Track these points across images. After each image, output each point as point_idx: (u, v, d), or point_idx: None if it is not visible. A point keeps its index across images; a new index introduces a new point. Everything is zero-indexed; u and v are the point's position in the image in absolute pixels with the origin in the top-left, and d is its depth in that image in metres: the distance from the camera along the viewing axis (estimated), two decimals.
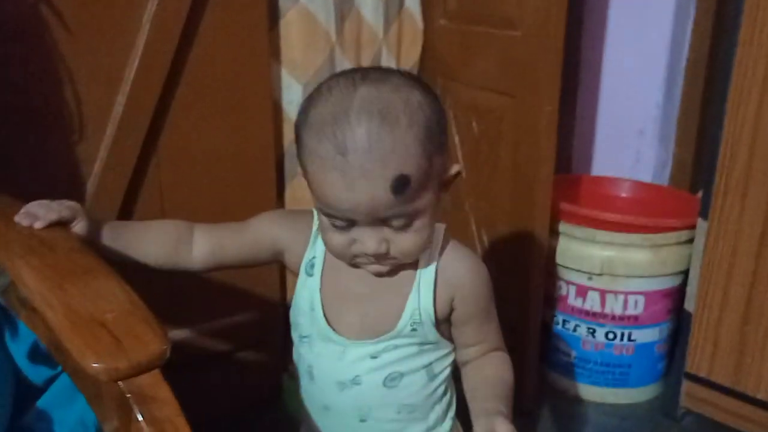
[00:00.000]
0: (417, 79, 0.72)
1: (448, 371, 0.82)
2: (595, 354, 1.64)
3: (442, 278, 0.76)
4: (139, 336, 0.57)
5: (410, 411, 0.80)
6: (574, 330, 1.65)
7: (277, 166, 1.49)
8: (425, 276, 0.76)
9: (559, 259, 1.61)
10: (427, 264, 0.77)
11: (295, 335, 0.82)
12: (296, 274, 0.81)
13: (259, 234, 0.82)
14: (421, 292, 0.76)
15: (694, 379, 1.53)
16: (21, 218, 0.70)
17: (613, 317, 1.59)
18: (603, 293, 1.58)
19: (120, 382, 0.55)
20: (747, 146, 1.35)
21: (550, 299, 1.65)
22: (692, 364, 1.53)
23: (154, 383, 0.56)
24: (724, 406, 1.50)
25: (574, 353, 1.66)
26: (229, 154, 1.40)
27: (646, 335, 1.61)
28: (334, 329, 0.77)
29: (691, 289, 1.51)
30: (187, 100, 1.31)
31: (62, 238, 0.69)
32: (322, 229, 0.74)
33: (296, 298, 0.80)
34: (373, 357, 0.76)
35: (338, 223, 0.69)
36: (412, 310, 0.76)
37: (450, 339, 0.81)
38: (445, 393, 0.83)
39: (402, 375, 0.77)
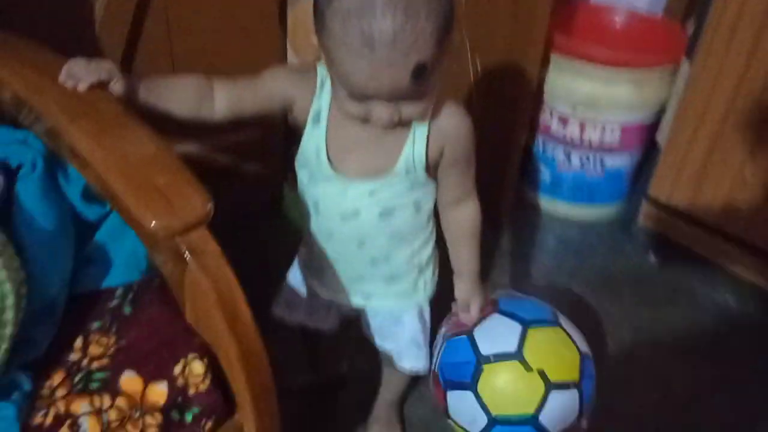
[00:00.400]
0: None
1: (431, 204, 0.95)
2: (568, 176, 1.79)
3: (435, 130, 0.86)
4: (188, 197, 0.68)
5: (400, 238, 0.95)
6: (552, 154, 1.78)
7: None
8: (420, 128, 0.86)
9: (546, 89, 1.69)
10: (422, 118, 0.86)
11: (303, 174, 0.93)
12: (303, 124, 0.90)
13: (271, 88, 0.90)
14: (415, 142, 0.86)
15: (655, 202, 1.71)
16: (65, 79, 0.78)
17: (590, 145, 1.72)
18: (583, 123, 1.69)
19: (175, 237, 0.68)
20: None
21: (534, 124, 1.76)
22: (655, 189, 1.70)
23: (203, 237, 0.69)
24: (678, 227, 1.69)
25: (549, 174, 1.82)
26: None
27: (617, 161, 1.76)
28: (337, 171, 0.88)
29: (665, 123, 1.63)
30: None
31: (106, 100, 0.77)
32: (337, 96, 0.82)
33: (304, 144, 0.90)
34: (371, 194, 0.89)
35: (356, 97, 0.78)
36: (406, 156, 0.87)
37: (435, 179, 0.93)
38: (428, 222, 0.98)
39: (394, 209, 0.91)
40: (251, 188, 1.67)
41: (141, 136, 0.73)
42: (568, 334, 1.02)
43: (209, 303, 0.69)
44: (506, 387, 0.97)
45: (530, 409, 0.96)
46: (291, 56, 1.60)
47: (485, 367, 0.97)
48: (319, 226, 0.96)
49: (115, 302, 0.78)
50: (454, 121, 0.88)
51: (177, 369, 0.71)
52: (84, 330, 0.74)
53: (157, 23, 1.35)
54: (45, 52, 0.85)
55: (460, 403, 1.00)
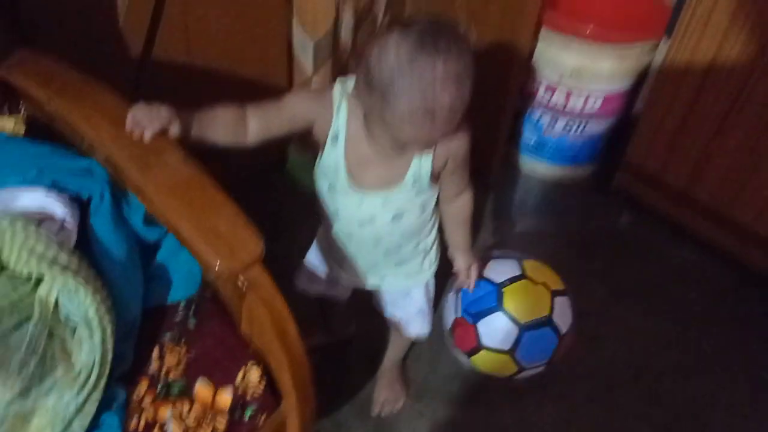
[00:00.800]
0: (460, 33, 0.87)
1: (434, 202, 1.11)
2: (552, 139, 1.94)
3: (440, 147, 0.99)
4: (245, 241, 0.83)
5: (409, 234, 1.11)
6: (539, 119, 1.92)
7: None
8: None
9: (536, 60, 1.80)
10: None
11: (323, 184, 1.07)
12: (323, 141, 1.02)
13: (293, 112, 1.02)
14: (422, 159, 1.00)
15: (629, 166, 1.87)
16: (131, 127, 0.89)
17: (573, 113, 1.85)
18: (568, 93, 1.82)
19: (237, 275, 0.83)
20: None
21: (523, 91, 1.88)
22: (630, 154, 1.85)
23: (259, 273, 0.84)
24: (647, 190, 1.86)
25: (535, 137, 1.96)
26: None
27: (597, 127, 1.90)
28: (354, 184, 1.02)
29: (644, 95, 1.76)
30: None
31: (170, 149, 0.89)
32: (375, 127, 0.94)
33: (324, 160, 1.03)
34: (384, 202, 1.03)
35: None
36: (413, 171, 1.00)
37: (436, 182, 1.07)
38: (431, 216, 1.13)
39: (404, 212, 1.06)
40: (260, 149, 1.78)
41: (204, 185, 0.86)
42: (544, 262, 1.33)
43: (264, 323, 0.85)
44: (525, 299, 1.24)
45: (546, 311, 1.24)
46: (297, 29, 1.69)
47: (504, 290, 1.24)
48: (340, 229, 1.11)
49: (180, 316, 0.93)
50: (458, 136, 0.99)
51: (239, 376, 0.87)
52: (158, 342, 0.90)
53: (174, 9, 1.43)
54: (104, 91, 0.96)
55: (491, 327, 1.24)
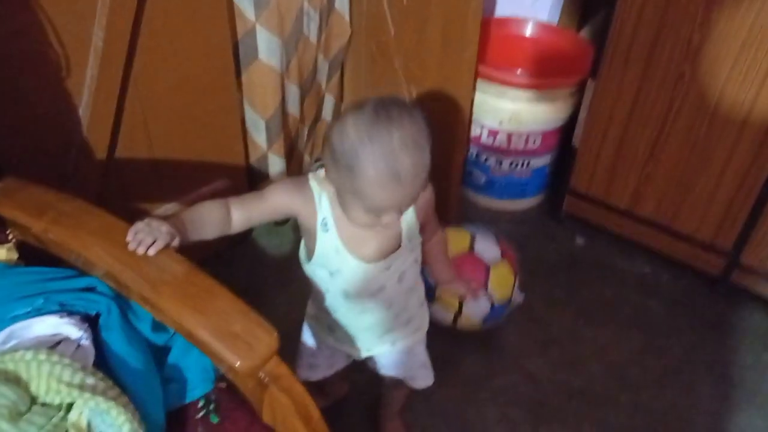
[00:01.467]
0: (409, 105, 0.96)
1: (420, 256, 1.18)
2: (501, 177, 2.06)
3: (420, 204, 1.07)
4: (260, 337, 0.88)
5: (411, 289, 1.19)
6: (486, 161, 2.03)
7: (234, 55, 1.65)
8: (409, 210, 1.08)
9: (475, 109, 1.92)
10: None
11: (322, 273, 1.12)
12: (313, 231, 1.09)
13: (275, 205, 1.08)
14: (409, 219, 1.08)
15: (575, 193, 2.00)
16: (135, 246, 0.94)
17: (516, 151, 1.98)
18: (509, 135, 1.94)
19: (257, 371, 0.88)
20: (632, 25, 1.64)
21: (468, 138, 1.99)
22: (574, 183, 1.98)
23: (277, 364, 0.90)
24: (595, 212, 1.99)
25: (485, 177, 2.07)
26: (193, 53, 1.54)
27: (540, 161, 2.03)
28: (359, 260, 1.08)
29: (578, 131, 1.90)
30: (156, 15, 1.41)
31: (172, 259, 0.94)
32: (347, 204, 1.00)
33: (320, 248, 1.08)
34: (388, 268, 1.10)
35: (372, 212, 0.98)
36: (406, 231, 1.08)
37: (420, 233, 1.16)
38: (420, 266, 1.21)
39: (405, 270, 1.13)
40: None
41: (214, 292, 0.91)
42: None
43: (288, 411, 0.91)
44: (504, 278, 1.57)
45: (509, 293, 1.60)
46: (248, 110, 1.76)
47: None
48: (351, 307, 1.15)
49: (201, 414, 0.98)
50: (426, 193, 1.10)
51: None
52: None
53: (134, 110, 1.49)
54: (98, 214, 1.01)
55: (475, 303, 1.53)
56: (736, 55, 1.53)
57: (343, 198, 1.01)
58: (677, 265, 1.89)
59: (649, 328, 1.78)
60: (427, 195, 1.11)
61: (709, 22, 1.53)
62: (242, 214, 1.08)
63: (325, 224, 1.07)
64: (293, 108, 1.86)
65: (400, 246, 1.09)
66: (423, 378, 1.34)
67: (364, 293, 1.12)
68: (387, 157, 0.90)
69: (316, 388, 1.49)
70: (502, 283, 1.57)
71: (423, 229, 1.14)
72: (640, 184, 1.85)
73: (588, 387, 1.63)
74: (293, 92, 1.82)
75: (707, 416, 1.58)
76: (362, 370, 1.35)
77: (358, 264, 1.08)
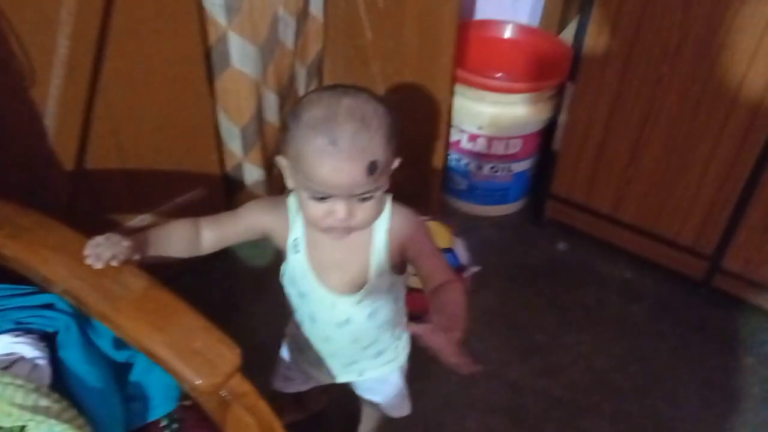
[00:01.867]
0: (378, 97, 0.93)
1: (403, 293, 1.13)
2: (482, 182, 2.04)
3: (392, 236, 0.99)
4: (222, 354, 0.86)
5: (384, 326, 1.12)
6: (466, 166, 2.01)
7: (206, 62, 1.62)
8: (378, 236, 1.01)
9: (454, 114, 1.90)
10: (381, 226, 1.01)
11: (293, 291, 1.09)
12: (284, 251, 1.05)
13: (249, 223, 1.05)
14: (378, 250, 1.01)
15: (557, 198, 1.98)
16: (93, 261, 0.91)
17: (497, 156, 1.96)
18: (489, 139, 1.92)
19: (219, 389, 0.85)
20: (610, 27, 1.63)
21: (447, 143, 1.97)
22: (555, 188, 1.96)
23: (240, 382, 0.87)
24: (577, 217, 1.97)
25: (466, 182, 2.05)
26: (163, 60, 1.51)
27: (521, 166, 2.01)
28: (326, 288, 1.04)
29: (558, 134, 1.88)
30: (124, 22, 1.38)
31: (132, 275, 0.92)
32: (302, 202, 0.95)
33: (289, 268, 1.05)
34: (358, 303, 1.05)
35: (319, 195, 0.91)
36: (375, 265, 1.02)
37: (401, 272, 1.09)
38: (403, 304, 1.15)
39: (378, 308, 1.07)
40: None
41: (175, 308, 0.89)
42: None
43: (251, 430, 0.88)
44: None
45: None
46: (223, 118, 1.74)
47: None
48: (316, 332, 1.12)
49: None
50: (403, 221, 1.01)
51: None
52: None
53: (102, 119, 1.46)
54: (57, 228, 0.98)
55: None
56: (716, 56, 1.52)
57: (297, 187, 0.96)
58: (660, 270, 1.88)
59: (632, 333, 1.76)
60: (403, 225, 1.00)
61: (688, 24, 1.52)
62: (214, 233, 1.04)
63: (296, 245, 1.04)
64: (272, 116, 1.83)
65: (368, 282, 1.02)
66: (398, 408, 1.30)
67: (329, 322, 1.08)
68: (328, 119, 0.87)
69: (293, 400, 1.47)
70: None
71: (417, 269, 1.01)
72: (622, 188, 1.83)
73: (570, 394, 1.61)
74: (271, 100, 1.79)
75: (690, 422, 1.56)
76: (340, 386, 1.32)
77: (326, 294, 1.04)
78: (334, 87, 0.92)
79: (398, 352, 1.21)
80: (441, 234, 1.73)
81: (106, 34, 1.38)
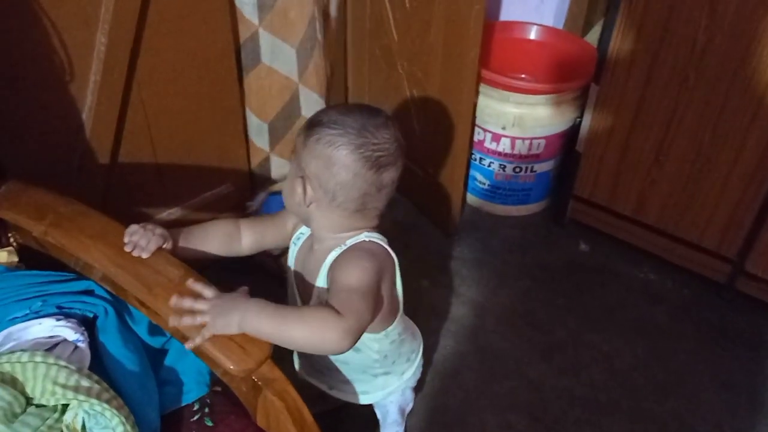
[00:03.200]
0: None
1: (387, 338, 1.11)
2: (504, 182, 2.05)
3: (333, 264, 0.98)
4: (255, 341, 0.89)
5: (370, 359, 1.14)
6: (489, 165, 2.03)
7: (236, 59, 1.65)
8: (329, 259, 1.00)
9: (479, 113, 1.92)
10: (334, 253, 0.99)
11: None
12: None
13: (290, 228, 1.11)
14: (325, 269, 1.00)
15: (579, 199, 1.99)
16: (130, 248, 0.95)
17: (520, 156, 1.98)
18: (513, 139, 1.94)
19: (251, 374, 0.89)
20: (635, 29, 1.64)
21: (470, 142, 1.99)
22: (578, 189, 1.97)
23: (270, 368, 0.90)
24: (599, 218, 1.98)
25: (488, 182, 2.07)
26: (195, 57, 1.55)
27: (544, 166, 2.03)
28: (295, 286, 1.10)
29: (582, 135, 1.89)
30: (158, 20, 1.43)
31: (168, 263, 0.95)
32: None
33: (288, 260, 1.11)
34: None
35: None
36: (322, 278, 1.01)
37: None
38: (397, 345, 1.16)
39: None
40: None
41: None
42: None
43: (281, 415, 0.91)
44: None
45: None
46: (250, 115, 1.77)
47: None
48: None
49: (196, 417, 0.98)
50: (344, 262, 0.97)
51: None
52: None
53: (137, 114, 1.50)
54: (96, 217, 1.02)
55: None
56: (742, 59, 1.52)
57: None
58: (682, 272, 1.88)
59: (654, 335, 1.77)
60: (342, 267, 0.96)
61: (714, 26, 1.52)
62: (254, 235, 1.09)
63: (297, 238, 1.09)
64: (310, 113, 1.85)
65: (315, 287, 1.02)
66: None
67: None
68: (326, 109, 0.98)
69: (317, 391, 1.50)
70: None
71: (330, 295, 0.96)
72: (645, 190, 1.84)
73: (590, 393, 1.62)
74: (312, 98, 1.79)
75: (711, 425, 1.56)
76: None
77: (294, 292, 1.09)
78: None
79: (389, 382, 1.20)
80: None
81: (141, 32, 1.42)
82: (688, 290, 1.88)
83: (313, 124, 0.95)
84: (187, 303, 0.87)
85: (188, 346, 0.86)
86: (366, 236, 1.00)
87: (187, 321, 0.87)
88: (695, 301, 1.86)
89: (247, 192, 1.86)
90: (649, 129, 1.74)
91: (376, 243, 1.01)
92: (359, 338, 0.89)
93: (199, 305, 0.87)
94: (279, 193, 1.54)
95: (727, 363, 1.70)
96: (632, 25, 1.64)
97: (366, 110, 0.97)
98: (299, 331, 0.87)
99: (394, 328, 1.09)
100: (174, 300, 0.87)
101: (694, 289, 1.88)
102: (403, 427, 1.34)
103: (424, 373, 1.62)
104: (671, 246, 1.87)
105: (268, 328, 0.86)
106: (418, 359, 1.26)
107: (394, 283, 1.05)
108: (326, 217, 0.98)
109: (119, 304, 1.01)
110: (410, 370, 1.24)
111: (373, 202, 0.98)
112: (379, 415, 1.33)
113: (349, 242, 1.00)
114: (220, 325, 0.86)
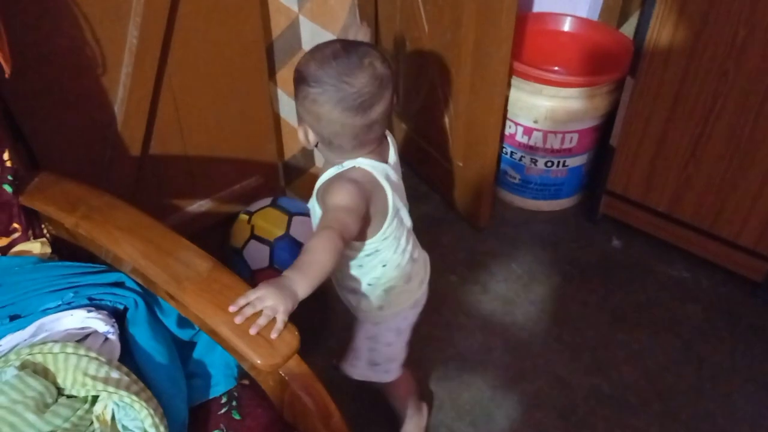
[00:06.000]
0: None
1: (356, 259, 1.12)
2: (536, 177, 2.02)
3: (320, 189, 1.05)
4: (282, 336, 0.88)
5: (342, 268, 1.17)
6: (520, 160, 2.00)
7: (268, 55, 1.65)
8: (317, 183, 1.07)
9: (510, 107, 1.90)
10: (323, 178, 1.06)
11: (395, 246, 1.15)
12: (385, 215, 1.08)
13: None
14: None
15: (612, 194, 1.95)
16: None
17: (552, 150, 1.95)
18: (545, 133, 1.91)
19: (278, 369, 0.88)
20: (673, 21, 1.60)
21: (502, 136, 1.97)
22: (612, 184, 1.94)
23: (297, 364, 0.90)
24: (634, 215, 1.94)
25: (519, 176, 2.05)
26: (225, 50, 1.55)
27: (576, 161, 1.99)
28: None
29: (617, 129, 1.85)
30: (189, 13, 1.43)
31: (198, 256, 0.95)
32: None
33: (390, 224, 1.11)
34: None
35: None
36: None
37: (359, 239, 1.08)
38: (351, 274, 1.16)
39: None
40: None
41: (237, 289, 0.92)
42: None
43: (307, 409, 0.91)
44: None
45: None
46: (288, 101, 1.76)
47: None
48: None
49: (224, 410, 0.98)
50: (324, 182, 1.05)
51: None
52: None
53: (167, 107, 1.51)
54: (126, 209, 1.02)
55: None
56: None
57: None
58: (717, 270, 1.84)
59: (687, 334, 1.73)
60: (327, 192, 1.03)
61: (755, 18, 1.48)
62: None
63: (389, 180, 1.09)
64: None
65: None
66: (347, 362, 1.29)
67: None
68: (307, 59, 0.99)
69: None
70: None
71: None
72: (680, 186, 1.80)
73: (620, 392, 1.59)
74: None
75: (748, 426, 1.53)
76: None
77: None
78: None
79: (358, 308, 1.21)
80: (275, 221, 1.60)
81: (172, 24, 1.42)
82: (723, 289, 1.84)
83: (297, 79, 1.00)
84: (243, 300, 0.89)
85: (273, 335, 0.87)
86: (354, 163, 1.04)
87: (248, 311, 0.88)
88: (730, 300, 1.82)
89: (277, 185, 1.86)
90: (686, 123, 1.70)
91: (363, 169, 1.04)
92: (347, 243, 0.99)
93: (254, 296, 0.89)
94: (235, 250, 1.59)
95: (763, 364, 1.66)
96: (670, 16, 1.60)
97: (342, 54, 0.98)
98: (324, 264, 0.94)
99: (373, 243, 1.10)
100: (231, 307, 0.89)
101: (729, 287, 1.84)
102: (361, 364, 1.28)
103: (451, 368, 1.62)
104: (706, 243, 1.83)
105: (307, 281, 0.92)
106: (393, 298, 1.20)
107: (386, 208, 1.07)
108: (331, 153, 1.06)
109: (149, 297, 1.02)
110: (377, 301, 1.19)
111: (369, 134, 1.02)
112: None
113: (332, 171, 1.04)
114: (284, 306, 0.88)
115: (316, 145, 1.06)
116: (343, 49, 0.98)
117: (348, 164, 1.04)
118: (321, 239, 0.95)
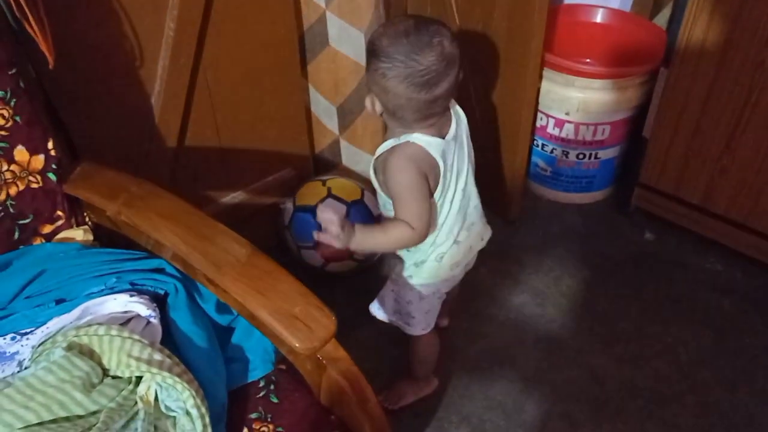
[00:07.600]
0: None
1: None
2: (567, 169, 2.02)
3: (376, 163, 1.16)
4: (318, 320, 0.90)
5: None
6: (552, 152, 2.00)
7: (300, 44, 1.67)
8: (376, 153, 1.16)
9: (542, 99, 1.89)
10: (379, 150, 1.15)
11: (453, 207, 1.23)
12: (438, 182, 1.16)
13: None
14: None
15: (645, 186, 1.94)
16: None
17: (584, 143, 1.94)
18: (577, 125, 1.90)
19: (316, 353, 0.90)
20: (708, 11, 1.58)
21: (533, 128, 1.96)
22: (644, 176, 1.92)
23: (335, 347, 0.91)
24: (667, 207, 1.92)
25: (550, 169, 2.04)
26: (259, 43, 1.57)
27: (609, 153, 1.98)
28: None
29: (649, 121, 1.84)
30: (224, 6, 1.45)
31: (236, 242, 0.97)
32: None
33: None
34: None
35: None
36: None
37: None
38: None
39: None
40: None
41: (276, 274, 0.93)
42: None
43: (345, 393, 0.92)
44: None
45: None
46: (318, 98, 1.78)
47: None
48: None
49: (262, 393, 1.00)
50: (384, 154, 1.13)
51: None
52: (246, 421, 0.97)
53: (202, 99, 1.54)
54: (167, 197, 1.05)
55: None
56: None
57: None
58: (752, 263, 1.81)
59: (721, 327, 1.72)
60: (386, 159, 1.12)
61: None
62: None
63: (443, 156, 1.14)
64: None
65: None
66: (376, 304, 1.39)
67: None
68: (380, 33, 1.05)
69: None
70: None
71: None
72: (714, 178, 1.77)
73: (653, 385, 1.58)
74: None
75: None
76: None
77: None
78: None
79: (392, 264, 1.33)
80: (350, 188, 1.72)
81: (208, 18, 1.44)
82: (757, 282, 1.82)
83: (370, 52, 1.05)
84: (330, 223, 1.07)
85: (337, 245, 1.07)
86: (410, 138, 1.10)
87: (323, 237, 1.09)
88: (765, 292, 1.79)
89: (310, 177, 1.87)
90: (720, 114, 1.68)
91: (417, 145, 1.10)
92: (428, 229, 1.13)
93: (334, 229, 1.07)
94: (305, 208, 1.69)
95: None
96: (705, 5, 1.58)
97: (413, 32, 1.02)
98: (385, 248, 1.26)
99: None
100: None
101: (763, 280, 1.81)
102: (386, 308, 1.37)
103: (482, 359, 1.62)
104: (741, 236, 1.80)
105: (366, 244, 1.14)
106: (426, 274, 1.26)
107: (436, 185, 1.13)
108: (393, 122, 1.13)
109: (189, 282, 1.04)
110: (410, 271, 1.27)
111: (432, 109, 1.07)
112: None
113: (389, 143, 1.12)
114: (346, 243, 1.08)
115: (381, 114, 1.12)
116: (415, 26, 1.02)
117: (404, 138, 1.10)
118: (399, 230, 1.10)
